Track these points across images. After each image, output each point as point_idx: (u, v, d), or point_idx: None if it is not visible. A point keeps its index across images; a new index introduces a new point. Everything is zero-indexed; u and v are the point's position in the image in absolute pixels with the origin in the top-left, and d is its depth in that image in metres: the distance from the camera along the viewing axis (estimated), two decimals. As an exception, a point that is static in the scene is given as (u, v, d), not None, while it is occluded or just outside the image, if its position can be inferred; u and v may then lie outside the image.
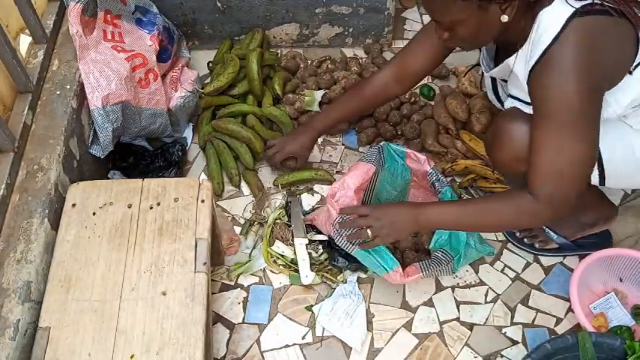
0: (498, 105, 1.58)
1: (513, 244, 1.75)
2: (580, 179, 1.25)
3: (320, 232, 1.71)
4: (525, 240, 1.74)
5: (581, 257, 1.70)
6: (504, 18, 1.22)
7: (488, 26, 1.25)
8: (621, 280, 1.64)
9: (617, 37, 1.21)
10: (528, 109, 1.31)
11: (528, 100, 1.30)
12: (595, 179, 1.39)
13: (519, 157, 1.33)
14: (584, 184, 1.27)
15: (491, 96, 1.60)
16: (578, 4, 1.17)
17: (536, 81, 1.24)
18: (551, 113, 1.21)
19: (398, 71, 1.64)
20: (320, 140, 2.00)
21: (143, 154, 1.89)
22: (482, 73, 1.53)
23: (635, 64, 1.25)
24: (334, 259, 1.66)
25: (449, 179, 1.86)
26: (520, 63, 1.29)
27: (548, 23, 1.19)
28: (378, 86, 1.67)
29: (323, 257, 1.69)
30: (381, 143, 1.70)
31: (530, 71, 1.25)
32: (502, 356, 1.57)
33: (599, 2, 1.18)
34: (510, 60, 1.32)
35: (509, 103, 1.40)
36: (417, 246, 1.67)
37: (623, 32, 1.21)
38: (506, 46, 1.36)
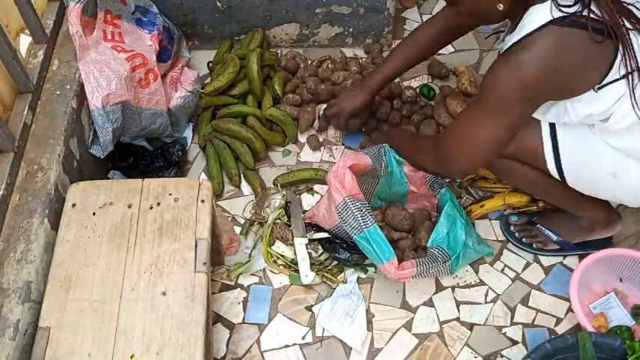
0: None
1: (513, 243, 1.75)
2: (476, 154, 1.41)
3: (319, 231, 1.71)
4: (524, 240, 1.74)
5: (581, 257, 1.70)
6: (500, 6, 1.28)
7: (486, 11, 1.31)
8: (621, 280, 1.64)
9: (588, 53, 1.22)
10: None
11: None
12: (554, 171, 1.44)
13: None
14: (479, 159, 1.44)
15: None
16: (561, 14, 1.20)
17: (493, 64, 1.32)
18: (484, 95, 1.33)
19: (448, 22, 1.69)
20: (320, 140, 2.00)
21: (143, 154, 1.89)
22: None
23: (603, 83, 1.25)
24: (336, 251, 1.65)
25: (447, 180, 1.86)
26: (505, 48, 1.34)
27: (530, 20, 1.24)
28: (430, 36, 1.74)
29: (323, 257, 1.69)
30: (384, 145, 1.71)
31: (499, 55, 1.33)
32: (502, 356, 1.57)
33: (585, 15, 1.20)
34: (501, 45, 1.39)
35: None
36: (416, 244, 1.67)
37: (596, 50, 1.22)
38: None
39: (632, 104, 1.26)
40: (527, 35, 1.23)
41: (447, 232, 1.56)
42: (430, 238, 1.58)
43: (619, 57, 1.23)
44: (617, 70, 1.24)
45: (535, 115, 1.40)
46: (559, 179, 1.45)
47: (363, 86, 1.83)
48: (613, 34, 1.20)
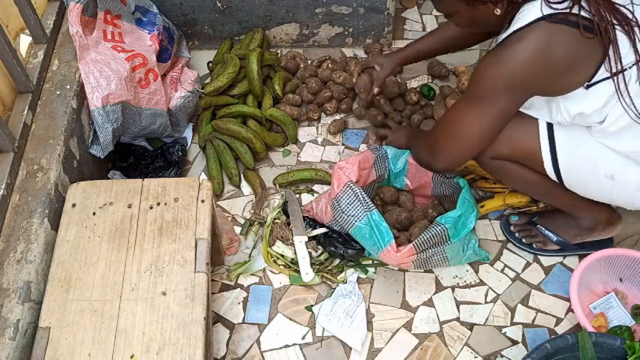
0: None
1: (513, 243, 1.75)
2: (462, 145, 1.42)
3: (316, 228, 1.71)
4: (524, 240, 1.74)
5: (581, 257, 1.70)
6: (497, 11, 1.30)
7: (484, 17, 1.34)
8: (621, 280, 1.64)
9: (577, 50, 1.24)
10: None
11: None
12: (551, 173, 1.44)
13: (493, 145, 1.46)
14: (464, 151, 1.44)
15: None
16: (551, 11, 1.22)
17: (482, 57, 1.34)
18: (472, 86, 1.35)
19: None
20: (320, 140, 2.00)
21: (143, 154, 1.89)
22: None
23: (593, 80, 1.26)
24: (332, 245, 1.65)
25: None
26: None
27: (522, 17, 1.25)
28: (450, 36, 1.76)
29: (323, 257, 1.70)
30: (384, 146, 1.73)
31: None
32: (502, 356, 1.57)
33: (575, 13, 1.21)
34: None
35: None
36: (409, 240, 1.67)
37: (585, 48, 1.23)
38: None
39: (623, 105, 1.26)
40: (518, 30, 1.25)
41: (460, 215, 1.56)
42: (443, 215, 1.59)
43: (609, 55, 1.24)
44: (606, 68, 1.25)
45: (530, 112, 1.41)
46: (556, 181, 1.45)
47: (391, 53, 1.87)
48: (602, 32, 1.22)
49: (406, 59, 1.85)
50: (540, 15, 1.22)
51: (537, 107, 1.39)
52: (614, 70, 1.24)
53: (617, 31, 1.24)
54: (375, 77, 1.85)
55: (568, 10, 1.21)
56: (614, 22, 1.24)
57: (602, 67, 1.25)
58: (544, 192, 1.57)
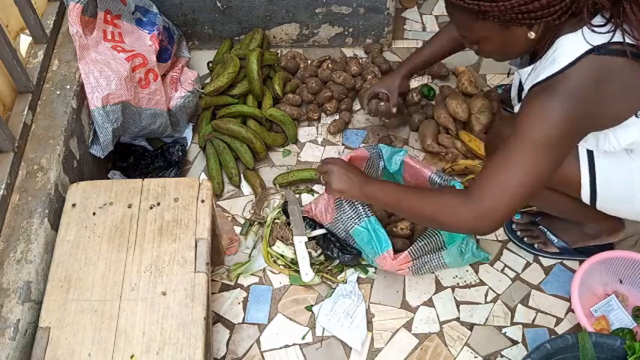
0: (515, 104, 1.52)
1: (514, 242, 1.75)
2: (517, 202, 1.22)
3: (316, 228, 1.71)
4: (525, 239, 1.74)
5: (581, 261, 1.70)
6: (531, 35, 1.20)
7: (516, 42, 1.24)
8: (621, 282, 1.64)
9: (628, 79, 1.17)
10: None
11: None
12: (586, 199, 1.39)
13: None
14: (516, 208, 1.24)
15: (513, 94, 1.54)
16: (597, 42, 1.15)
17: (530, 98, 1.22)
18: (527, 131, 1.19)
19: None
20: (320, 140, 2.00)
21: (143, 154, 1.89)
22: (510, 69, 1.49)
23: None
24: (329, 249, 1.65)
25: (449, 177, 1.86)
26: (531, 77, 1.28)
27: (564, 51, 1.17)
28: (453, 37, 1.70)
29: (323, 257, 1.69)
30: (380, 145, 1.73)
31: (531, 88, 1.24)
32: (502, 356, 1.57)
33: (619, 41, 1.15)
34: (524, 71, 1.32)
35: (517, 109, 1.40)
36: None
37: (635, 75, 1.18)
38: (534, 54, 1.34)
39: None
40: (567, 66, 1.16)
41: None
42: None
43: None
44: None
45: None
46: (588, 204, 1.41)
47: (397, 69, 1.84)
48: None
49: (411, 71, 1.83)
50: (588, 47, 1.15)
51: (588, 137, 1.32)
52: None
53: None
54: (386, 107, 1.82)
55: (611, 36, 1.15)
56: None
57: None
58: (562, 209, 1.54)
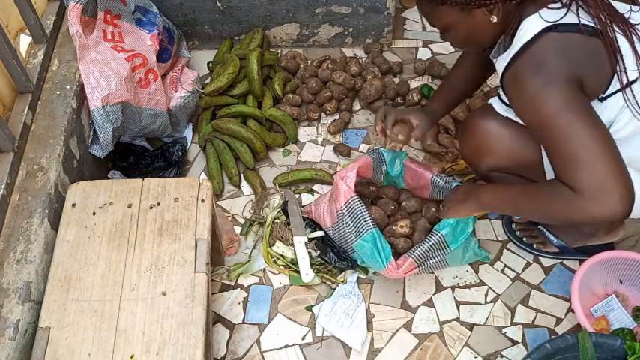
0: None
1: (513, 242, 1.75)
2: (608, 163, 1.11)
3: (315, 229, 1.71)
4: (525, 239, 1.74)
5: (581, 260, 1.70)
6: (493, 19, 1.24)
7: (481, 28, 1.27)
8: (621, 282, 1.64)
9: (588, 55, 1.19)
10: (501, 107, 1.38)
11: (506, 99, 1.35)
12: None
13: (480, 150, 1.44)
14: (616, 168, 1.12)
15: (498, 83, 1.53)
16: (555, 18, 1.18)
17: (507, 86, 1.24)
18: (543, 110, 1.16)
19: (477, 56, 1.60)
20: (320, 140, 2.00)
21: (143, 154, 1.89)
22: None
23: (607, 93, 1.22)
24: (326, 253, 1.65)
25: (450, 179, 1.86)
26: (501, 63, 1.29)
27: (526, 30, 1.20)
28: (463, 76, 1.66)
29: (321, 259, 1.69)
30: (380, 149, 1.73)
31: (504, 73, 1.26)
32: (502, 356, 1.57)
33: (575, 22, 1.17)
34: (500, 59, 1.33)
35: (492, 100, 1.43)
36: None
37: (595, 55, 1.19)
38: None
39: (632, 112, 1.22)
40: (526, 45, 1.19)
41: (457, 221, 1.55)
42: (439, 223, 1.57)
43: (617, 64, 1.19)
44: (617, 81, 1.21)
45: None
46: None
47: (428, 112, 1.69)
48: (604, 36, 1.18)
49: (441, 116, 1.74)
50: (544, 24, 1.18)
51: None
52: (624, 82, 1.20)
53: (618, 36, 1.20)
54: (414, 134, 1.68)
55: (566, 12, 1.18)
56: (616, 28, 1.20)
57: (613, 79, 1.21)
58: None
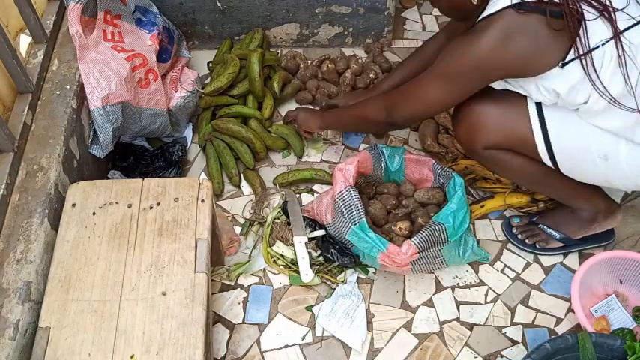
0: None
1: (516, 245, 1.75)
2: (420, 106, 1.48)
3: (315, 229, 1.71)
4: (527, 241, 1.73)
5: (581, 256, 1.70)
6: (474, 1, 1.36)
7: (462, 5, 1.39)
8: (621, 282, 1.64)
9: (544, 37, 1.28)
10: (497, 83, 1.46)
11: None
12: (547, 162, 1.46)
13: (473, 129, 1.50)
14: (421, 111, 1.51)
15: None
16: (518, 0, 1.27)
17: (454, 40, 1.38)
18: (439, 63, 1.41)
19: (450, 37, 1.73)
20: (316, 137, 2.00)
21: (143, 154, 1.89)
22: None
23: (568, 59, 1.30)
24: (327, 251, 1.65)
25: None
26: None
27: (493, 4, 1.31)
28: (433, 52, 1.76)
29: (322, 258, 1.69)
30: (379, 145, 1.74)
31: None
32: (502, 356, 1.57)
33: (546, 2, 1.25)
34: None
35: None
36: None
37: (554, 32, 1.27)
38: None
39: (595, 88, 1.30)
40: (487, 17, 1.30)
41: (455, 210, 1.55)
42: (439, 212, 1.58)
43: (578, 36, 1.27)
44: (574, 50, 1.29)
45: (521, 91, 1.43)
46: (552, 166, 1.46)
47: (364, 94, 1.89)
48: (568, 14, 1.25)
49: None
50: (509, 3, 1.27)
51: (523, 86, 1.41)
52: (580, 52, 1.28)
53: (586, 13, 1.27)
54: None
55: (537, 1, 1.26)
56: (587, 8, 1.27)
57: (574, 46, 1.28)
58: (540, 180, 1.57)
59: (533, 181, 1.61)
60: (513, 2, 1.27)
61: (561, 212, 1.70)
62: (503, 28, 1.29)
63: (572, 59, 1.29)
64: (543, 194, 1.75)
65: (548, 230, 1.72)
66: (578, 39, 1.27)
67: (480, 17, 1.33)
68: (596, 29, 1.28)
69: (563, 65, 1.30)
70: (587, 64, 1.29)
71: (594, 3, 1.28)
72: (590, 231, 1.68)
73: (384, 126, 1.64)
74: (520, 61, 1.32)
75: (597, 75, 1.29)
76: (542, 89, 1.36)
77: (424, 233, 1.52)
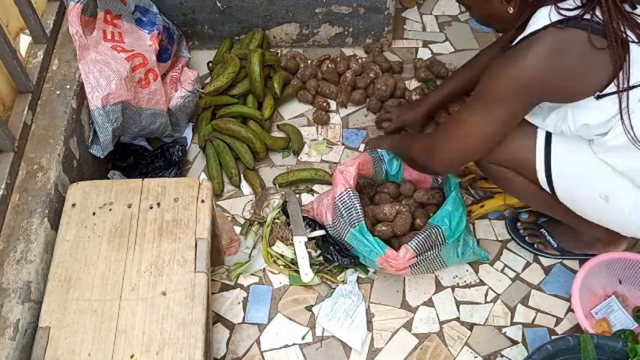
0: None
1: (515, 240, 1.75)
2: (463, 147, 1.40)
3: (315, 229, 1.71)
4: (527, 239, 1.74)
5: (581, 260, 1.70)
6: (510, 10, 1.31)
7: (498, 15, 1.34)
8: (620, 282, 1.64)
9: (587, 57, 1.20)
10: None
11: None
12: (545, 187, 1.41)
13: None
14: (465, 154, 1.43)
15: None
16: (559, 17, 1.20)
17: (494, 61, 1.32)
18: (479, 89, 1.33)
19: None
20: (320, 140, 2.00)
21: (143, 154, 1.89)
22: None
23: (605, 92, 1.22)
24: (327, 252, 1.65)
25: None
26: None
27: (535, 21, 1.24)
28: (485, 62, 1.73)
29: (322, 258, 1.69)
30: (380, 151, 1.74)
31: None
32: (502, 356, 1.57)
33: (587, 18, 1.19)
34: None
35: None
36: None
37: (596, 55, 1.19)
38: None
39: (624, 125, 1.22)
40: (530, 35, 1.23)
41: (451, 210, 1.55)
42: (434, 215, 1.58)
43: (622, 69, 1.19)
44: (615, 83, 1.21)
45: (534, 120, 1.37)
46: (549, 192, 1.41)
47: (421, 102, 1.90)
48: (613, 41, 1.18)
49: (434, 109, 1.90)
50: (549, 22, 1.20)
51: (543, 115, 1.35)
52: (621, 87, 1.20)
53: (631, 45, 1.19)
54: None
55: (580, 17, 1.19)
56: (630, 34, 1.20)
57: (614, 80, 1.20)
58: (540, 202, 1.53)
59: (534, 201, 1.57)
60: (553, 20, 1.20)
61: (564, 227, 1.65)
62: (547, 45, 1.20)
63: (611, 93, 1.21)
64: (544, 213, 1.70)
65: (548, 237, 1.72)
66: (622, 71, 1.19)
67: (519, 38, 1.25)
68: (635, 62, 1.20)
69: (598, 97, 1.22)
70: (621, 102, 1.21)
71: (638, 31, 1.20)
72: (588, 251, 1.65)
73: (431, 173, 1.62)
74: (564, 83, 1.23)
75: (629, 113, 1.22)
76: (571, 119, 1.29)
77: (421, 237, 1.52)
